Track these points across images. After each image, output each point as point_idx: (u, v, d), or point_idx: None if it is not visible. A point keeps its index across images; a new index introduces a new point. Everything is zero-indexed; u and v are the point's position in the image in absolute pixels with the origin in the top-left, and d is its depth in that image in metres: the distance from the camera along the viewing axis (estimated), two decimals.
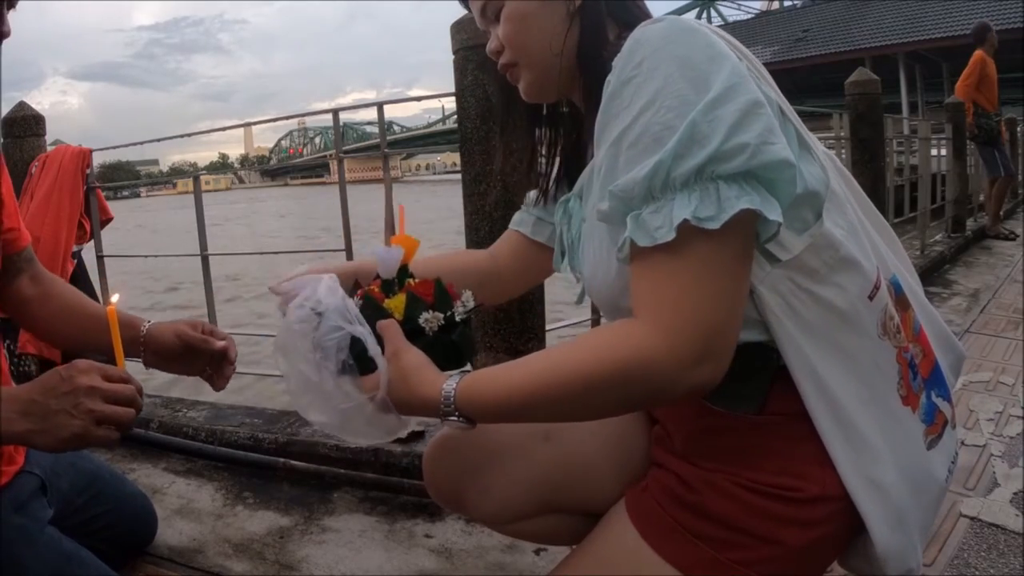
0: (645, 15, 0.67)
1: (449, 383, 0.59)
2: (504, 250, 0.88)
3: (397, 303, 0.66)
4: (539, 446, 0.78)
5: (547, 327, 1.56)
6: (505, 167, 0.80)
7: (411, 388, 0.61)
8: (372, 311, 0.65)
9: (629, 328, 0.53)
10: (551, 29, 0.66)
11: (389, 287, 0.69)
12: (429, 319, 0.66)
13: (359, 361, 0.63)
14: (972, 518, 1.26)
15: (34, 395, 0.66)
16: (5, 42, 0.79)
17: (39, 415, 0.66)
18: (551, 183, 0.81)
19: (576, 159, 0.78)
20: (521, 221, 0.86)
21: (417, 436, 1.50)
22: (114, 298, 0.81)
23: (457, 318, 0.67)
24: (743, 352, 0.59)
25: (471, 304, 0.69)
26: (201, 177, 2.14)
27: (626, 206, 0.53)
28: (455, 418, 0.59)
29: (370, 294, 0.67)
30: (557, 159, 0.79)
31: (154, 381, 3.14)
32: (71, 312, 1.00)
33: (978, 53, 4.51)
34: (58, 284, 1.04)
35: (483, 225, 1.45)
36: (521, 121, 0.78)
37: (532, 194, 0.85)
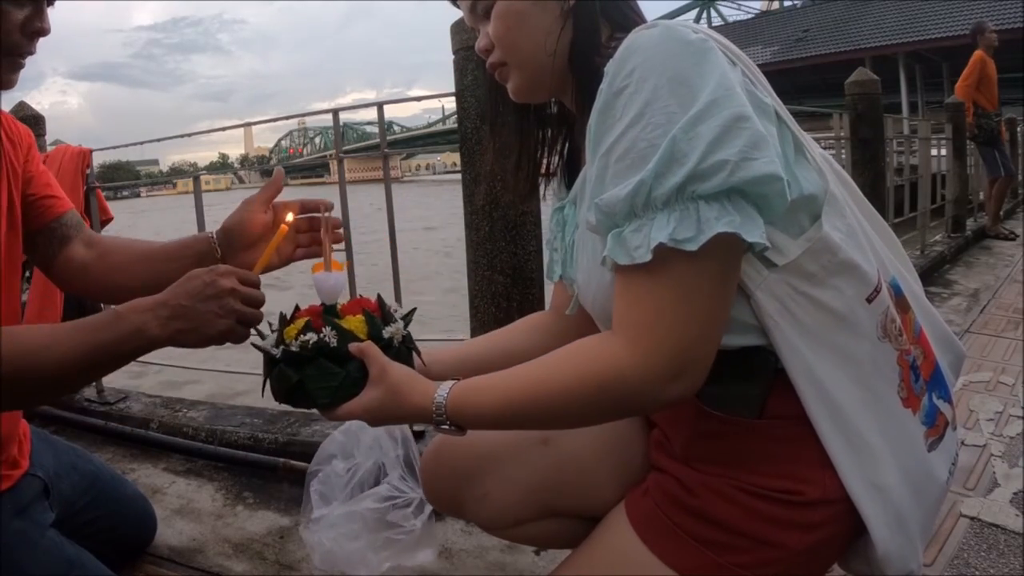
0: (639, 17, 0.67)
1: (440, 393, 0.61)
2: (560, 301, 0.86)
3: (355, 323, 0.68)
4: (537, 451, 0.78)
5: None
6: (495, 167, 0.80)
7: (403, 400, 0.63)
8: (342, 336, 0.66)
9: (606, 345, 0.55)
10: (543, 29, 0.65)
11: (332, 311, 0.70)
12: (393, 332, 0.69)
13: (341, 390, 0.65)
14: (972, 518, 1.26)
15: (181, 300, 0.71)
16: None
17: (188, 317, 0.70)
18: (544, 183, 0.80)
19: (571, 161, 0.78)
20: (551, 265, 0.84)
21: (416, 437, 1.50)
22: (289, 217, 0.87)
23: (406, 327, 0.72)
24: (742, 356, 0.59)
25: (404, 311, 0.74)
26: (201, 177, 2.14)
27: (610, 220, 0.53)
28: (447, 427, 0.62)
29: (332, 321, 0.68)
30: (546, 159, 0.78)
31: (154, 381, 3.15)
32: (131, 256, 0.98)
33: (978, 53, 4.51)
34: (117, 241, 1.02)
35: (483, 225, 1.45)
36: (511, 120, 0.77)
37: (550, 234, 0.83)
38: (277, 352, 0.67)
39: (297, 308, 0.73)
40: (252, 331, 0.74)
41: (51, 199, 0.97)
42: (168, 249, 0.96)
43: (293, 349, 0.66)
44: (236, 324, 0.71)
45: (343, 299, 0.73)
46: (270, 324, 0.72)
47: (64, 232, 0.98)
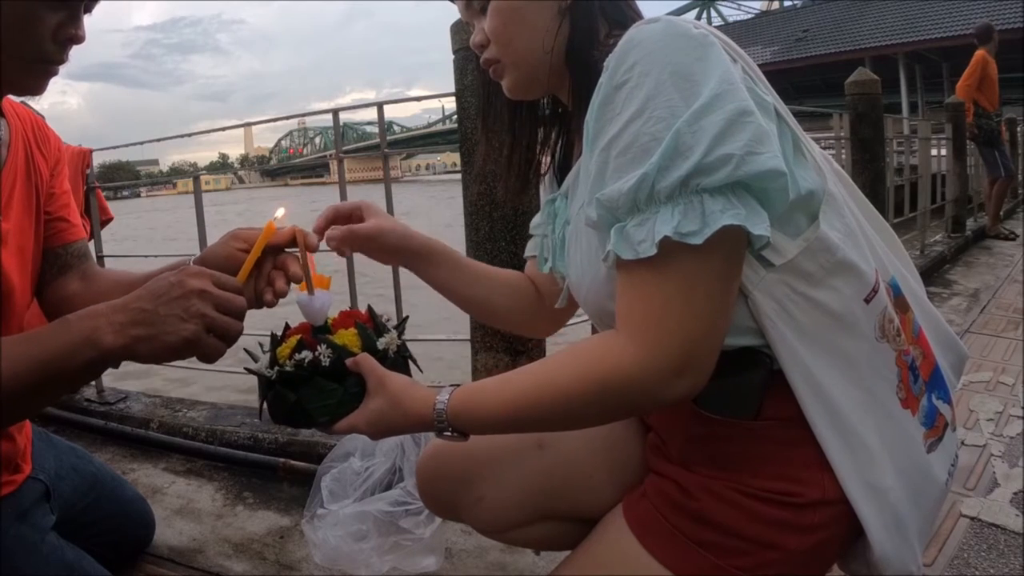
0: (637, 15, 0.66)
1: (440, 399, 0.61)
2: (535, 279, 0.85)
3: (348, 337, 0.67)
4: (532, 454, 0.77)
5: None
6: (487, 162, 0.79)
7: (403, 409, 0.63)
8: (337, 352, 0.65)
9: (611, 344, 0.54)
10: (540, 26, 0.65)
11: (324, 330, 0.69)
12: (388, 342, 0.68)
13: (340, 406, 0.65)
14: (972, 518, 1.26)
15: (141, 304, 0.61)
16: None
17: (147, 323, 0.60)
18: (536, 179, 0.79)
19: (564, 156, 0.77)
20: (536, 246, 0.84)
21: None
22: (279, 212, 0.76)
23: (400, 336, 0.71)
24: (739, 357, 0.59)
25: (395, 320, 0.73)
26: (201, 177, 2.14)
27: (612, 215, 0.53)
28: (449, 433, 0.61)
29: (325, 337, 0.67)
30: (539, 155, 0.78)
31: (154, 381, 3.14)
32: (116, 285, 0.90)
33: (980, 53, 4.51)
34: (106, 271, 0.97)
35: (483, 224, 1.45)
36: (504, 116, 0.76)
37: (539, 216, 0.83)
38: (272, 374, 0.66)
39: (287, 326, 0.72)
40: (246, 353, 0.69)
41: (65, 223, 0.94)
42: (146, 276, 0.87)
43: (288, 369, 0.65)
44: (204, 332, 0.61)
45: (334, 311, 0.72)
46: (261, 345, 0.71)
47: (67, 261, 0.94)
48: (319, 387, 0.64)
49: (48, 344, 0.60)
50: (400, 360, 0.70)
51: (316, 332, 0.68)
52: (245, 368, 0.70)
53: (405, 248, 0.77)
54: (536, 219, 0.84)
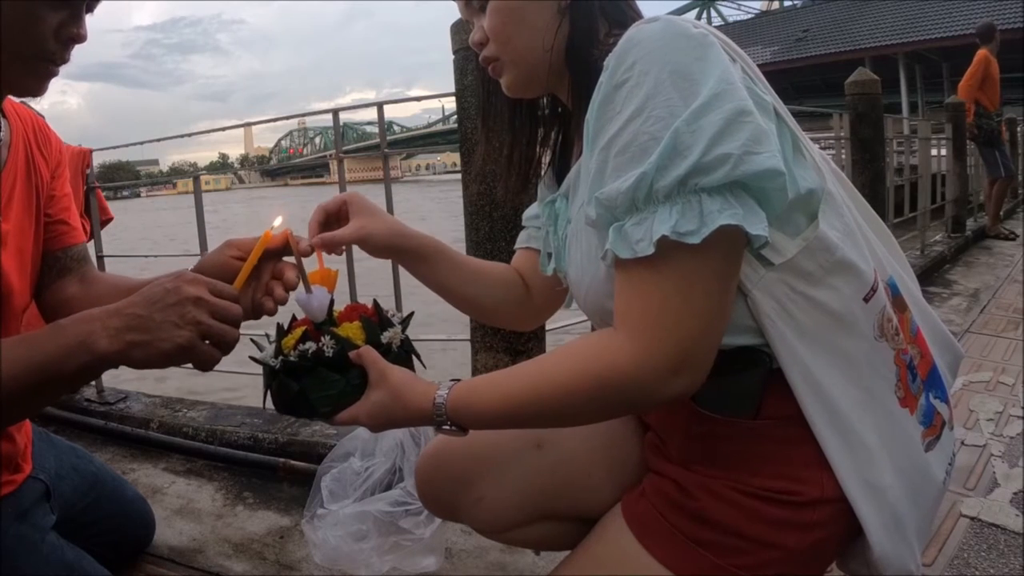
0: (637, 15, 0.66)
1: (440, 394, 0.61)
2: (522, 270, 0.85)
3: (352, 330, 0.68)
4: (531, 454, 0.77)
5: (547, 327, 1.56)
6: (487, 162, 0.79)
7: (403, 402, 0.63)
8: (340, 343, 0.66)
9: (608, 341, 0.54)
10: (540, 25, 0.65)
11: (328, 324, 0.70)
12: (391, 336, 0.69)
13: (342, 398, 0.65)
14: (972, 518, 1.26)
15: (136, 309, 0.61)
16: None
17: (142, 329, 0.60)
18: (536, 177, 0.79)
19: (563, 155, 0.77)
20: (529, 237, 0.84)
21: None
22: (277, 221, 0.76)
23: (404, 332, 0.71)
24: (738, 356, 0.59)
25: (402, 315, 0.74)
26: (201, 177, 2.14)
27: (611, 214, 0.53)
28: (448, 427, 0.62)
29: (329, 329, 0.68)
30: (538, 154, 0.77)
31: (152, 381, 3.14)
32: (114, 290, 0.90)
33: (982, 52, 4.51)
34: (105, 275, 0.98)
35: (483, 224, 1.45)
36: (504, 114, 0.76)
37: (532, 208, 0.83)
38: (276, 363, 0.67)
39: (294, 318, 0.72)
40: (251, 342, 0.70)
41: (65, 226, 0.94)
42: (145, 282, 0.86)
43: (291, 359, 0.66)
44: (199, 339, 0.61)
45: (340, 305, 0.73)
46: (268, 336, 0.72)
47: (66, 264, 0.94)
48: (322, 377, 0.65)
49: (43, 347, 0.61)
50: (403, 354, 0.70)
51: (321, 325, 0.69)
52: (250, 357, 0.71)
53: (394, 247, 0.77)
54: (530, 210, 0.84)
